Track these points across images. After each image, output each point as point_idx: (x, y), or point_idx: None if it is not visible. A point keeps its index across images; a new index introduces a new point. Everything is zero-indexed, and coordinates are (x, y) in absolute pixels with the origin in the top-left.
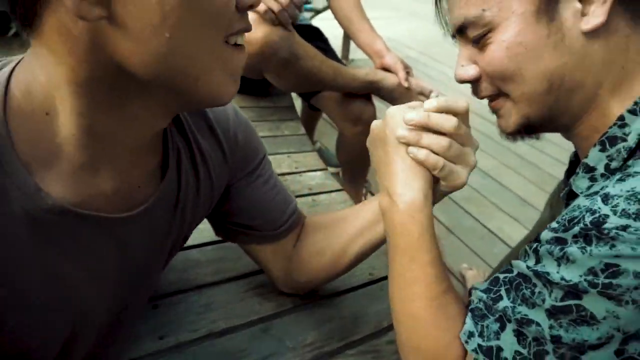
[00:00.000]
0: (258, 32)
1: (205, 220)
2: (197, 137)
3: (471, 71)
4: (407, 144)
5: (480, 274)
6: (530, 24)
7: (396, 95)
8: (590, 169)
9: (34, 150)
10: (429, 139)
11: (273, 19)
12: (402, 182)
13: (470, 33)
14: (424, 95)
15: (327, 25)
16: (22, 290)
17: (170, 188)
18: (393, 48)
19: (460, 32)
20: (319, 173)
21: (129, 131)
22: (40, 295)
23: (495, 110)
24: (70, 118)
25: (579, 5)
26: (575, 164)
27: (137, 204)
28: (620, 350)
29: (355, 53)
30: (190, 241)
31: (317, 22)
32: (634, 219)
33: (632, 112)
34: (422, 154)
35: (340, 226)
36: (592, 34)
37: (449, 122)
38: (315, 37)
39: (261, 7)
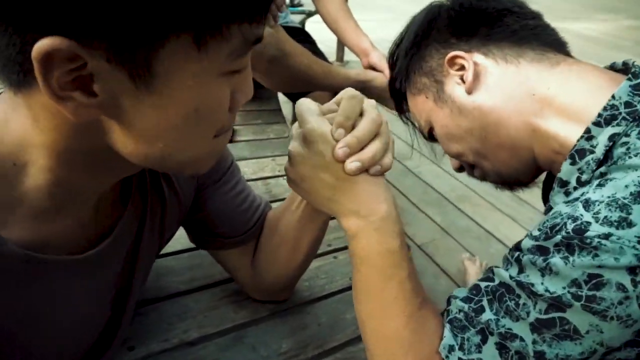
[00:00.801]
0: None
1: (180, 228)
2: None
3: (454, 163)
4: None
5: (481, 269)
6: (439, 112)
7: (387, 95)
8: (564, 184)
9: None
10: (372, 151)
11: None
12: (370, 198)
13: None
14: None
15: (321, 27)
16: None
17: (133, 214)
18: (387, 49)
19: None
20: None
21: (100, 183)
22: (21, 337)
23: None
24: (40, 172)
25: (458, 80)
26: (550, 177)
27: (103, 235)
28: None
29: (349, 55)
30: (166, 249)
31: (310, 25)
32: (616, 227)
33: (596, 124)
34: (386, 164)
35: (285, 222)
36: (474, 91)
37: (374, 126)
38: (303, 38)
39: None
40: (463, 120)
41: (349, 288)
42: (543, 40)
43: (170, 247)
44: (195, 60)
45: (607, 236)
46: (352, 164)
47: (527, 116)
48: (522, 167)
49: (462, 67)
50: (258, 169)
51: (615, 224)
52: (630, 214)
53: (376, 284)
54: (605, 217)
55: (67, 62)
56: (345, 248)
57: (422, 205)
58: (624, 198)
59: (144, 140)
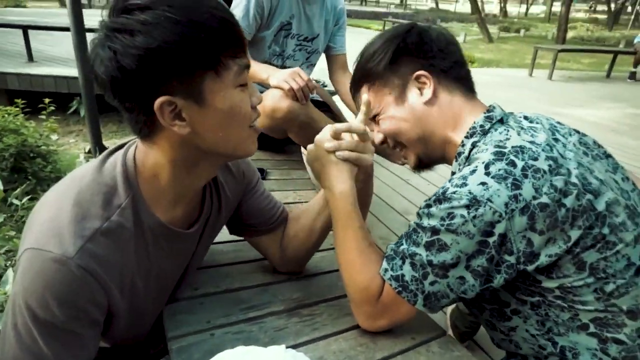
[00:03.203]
0: (283, 104)
1: (224, 227)
2: (219, 176)
3: (380, 137)
4: (334, 151)
5: None
6: (395, 107)
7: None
8: (453, 174)
9: (148, 194)
10: (345, 144)
11: (293, 95)
12: (335, 179)
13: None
14: None
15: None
16: (146, 276)
17: (207, 211)
18: None
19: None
20: None
21: (196, 181)
22: (151, 283)
23: (404, 157)
24: (167, 178)
25: (417, 91)
26: None
27: (194, 222)
28: (467, 266)
29: None
30: (219, 239)
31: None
32: (459, 187)
33: (466, 137)
34: (345, 154)
35: (305, 214)
36: (428, 103)
37: (353, 144)
38: (326, 109)
39: (285, 86)
40: (410, 120)
41: None
42: (469, 85)
43: (220, 238)
44: (219, 82)
45: (454, 192)
46: (329, 142)
47: (449, 130)
48: (434, 158)
49: (424, 84)
50: (283, 197)
51: (459, 185)
52: (466, 180)
53: (340, 231)
54: (456, 183)
55: (168, 107)
56: None
57: None
58: (466, 173)
59: (211, 134)
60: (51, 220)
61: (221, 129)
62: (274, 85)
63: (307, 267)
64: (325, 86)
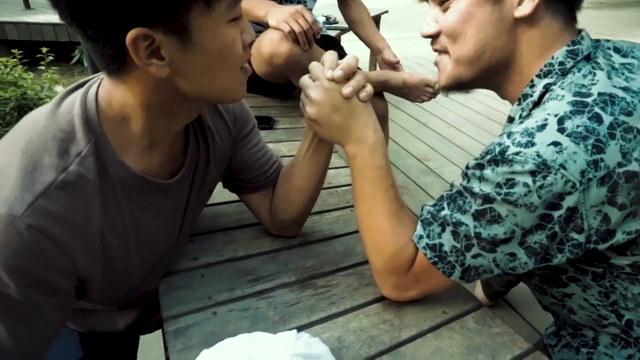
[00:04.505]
0: (283, 48)
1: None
2: (206, 119)
3: (432, 29)
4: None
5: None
6: (476, 3)
7: (405, 91)
8: (511, 120)
9: (116, 140)
10: (357, 79)
11: (294, 38)
12: (365, 128)
13: None
14: (430, 86)
15: (354, 45)
16: (122, 235)
17: (192, 158)
18: (418, 64)
19: None
20: None
21: (173, 126)
22: (130, 242)
23: (437, 64)
24: (138, 122)
25: None
26: None
27: (175, 170)
28: (522, 242)
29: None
30: (220, 199)
31: (345, 42)
32: (524, 147)
33: (538, 76)
34: (369, 89)
35: (296, 170)
36: (520, 20)
37: (353, 61)
38: (333, 44)
39: (285, 28)
40: (489, 29)
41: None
42: (574, 14)
43: (223, 198)
44: (209, 16)
45: (517, 153)
46: (347, 88)
47: (523, 61)
48: (477, 84)
49: None
50: (293, 148)
51: (523, 145)
52: (533, 138)
53: (368, 191)
54: (519, 141)
55: (144, 42)
56: None
57: None
58: (532, 128)
59: (196, 79)
60: None
61: (208, 73)
62: (272, 26)
63: (320, 229)
64: (337, 22)
